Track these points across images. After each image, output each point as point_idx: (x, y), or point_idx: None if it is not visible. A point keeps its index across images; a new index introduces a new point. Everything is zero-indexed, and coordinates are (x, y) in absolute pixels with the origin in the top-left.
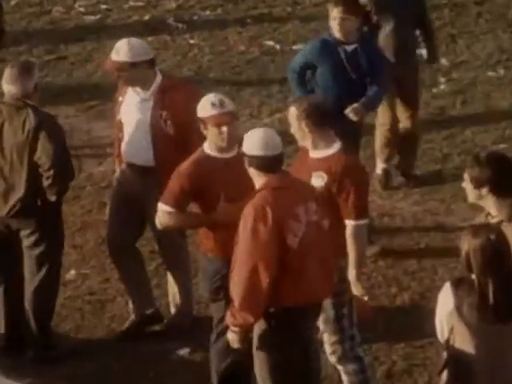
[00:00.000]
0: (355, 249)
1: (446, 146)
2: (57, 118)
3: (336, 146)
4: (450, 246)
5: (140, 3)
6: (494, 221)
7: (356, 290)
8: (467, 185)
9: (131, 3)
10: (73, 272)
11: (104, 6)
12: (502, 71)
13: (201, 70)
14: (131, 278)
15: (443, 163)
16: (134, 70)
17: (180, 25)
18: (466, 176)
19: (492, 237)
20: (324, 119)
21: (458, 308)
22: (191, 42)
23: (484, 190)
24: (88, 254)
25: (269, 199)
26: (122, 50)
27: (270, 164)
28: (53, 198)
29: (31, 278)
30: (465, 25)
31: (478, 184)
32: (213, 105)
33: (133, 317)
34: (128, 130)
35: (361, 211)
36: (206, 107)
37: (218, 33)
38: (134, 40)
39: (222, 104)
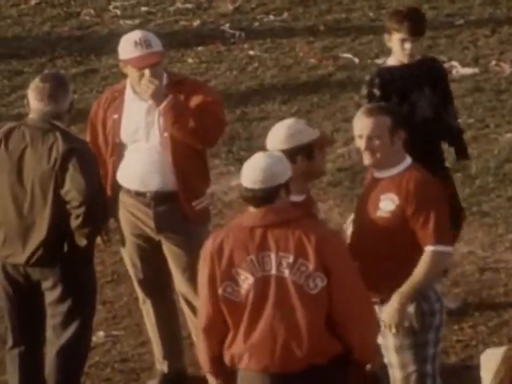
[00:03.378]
0: (424, 271)
1: None
2: (89, 145)
3: (406, 162)
4: None
5: (189, 5)
6: None
7: (390, 313)
8: None
9: (178, 5)
10: (101, 334)
11: (145, 9)
12: None
13: (262, 88)
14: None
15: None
16: (162, 63)
17: (237, 32)
18: None
19: None
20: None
21: None
22: (251, 53)
23: None
24: (120, 311)
25: (217, 237)
26: (152, 41)
27: (248, 196)
28: (83, 243)
29: (54, 341)
30: None
31: None
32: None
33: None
34: (134, 150)
35: (442, 235)
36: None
37: (284, 43)
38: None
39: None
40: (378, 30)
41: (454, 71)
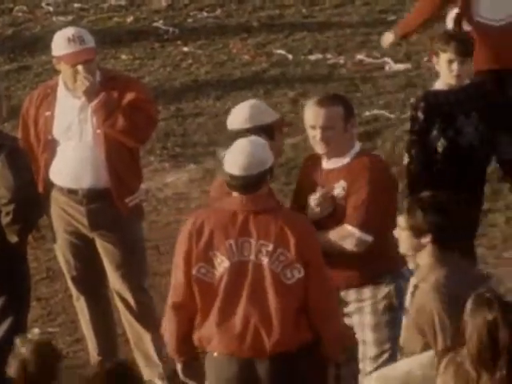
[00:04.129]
0: (330, 240)
1: (497, 181)
2: (20, 142)
3: (355, 149)
4: None
5: (122, 2)
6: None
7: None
8: (402, 232)
9: (111, 2)
10: (36, 330)
11: (77, 5)
12: None
13: (196, 84)
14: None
15: (493, 202)
16: (95, 59)
17: (171, 29)
18: (401, 222)
19: (495, 315)
20: None
21: None
22: (185, 49)
23: (425, 240)
24: (55, 308)
25: (199, 217)
26: (85, 37)
27: (235, 184)
28: (13, 239)
29: None
30: None
31: (418, 233)
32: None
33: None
34: (67, 147)
35: (366, 221)
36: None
37: (218, 39)
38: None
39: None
40: (312, 26)
41: (386, 67)
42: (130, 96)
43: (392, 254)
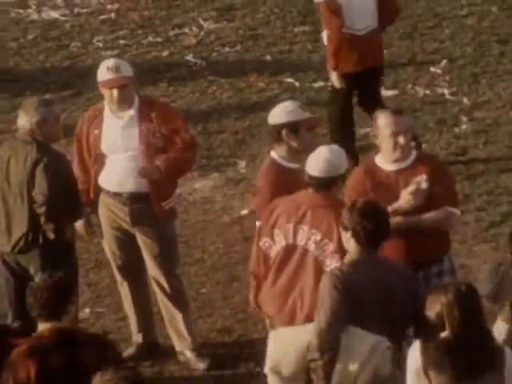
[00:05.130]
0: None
1: (468, 187)
2: (65, 155)
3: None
4: None
5: (159, 39)
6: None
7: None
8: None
9: (150, 39)
10: (87, 310)
11: (122, 42)
12: None
13: (220, 107)
14: (139, 305)
15: (465, 204)
16: (131, 85)
17: (199, 61)
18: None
19: (463, 289)
20: None
21: (425, 370)
22: (210, 78)
23: (348, 234)
24: (102, 292)
25: (275, 203)
26: (122, 67)
27: (311, 183)
28: (51, 236)
29: None
30: (487, 64)
31: (344, 227)
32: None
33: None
34: (113, 159)
35: (455, 200)
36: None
37: (238, 69)
38: (119, 59)
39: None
40: (315, 59)
41: None
42: (168, 125)
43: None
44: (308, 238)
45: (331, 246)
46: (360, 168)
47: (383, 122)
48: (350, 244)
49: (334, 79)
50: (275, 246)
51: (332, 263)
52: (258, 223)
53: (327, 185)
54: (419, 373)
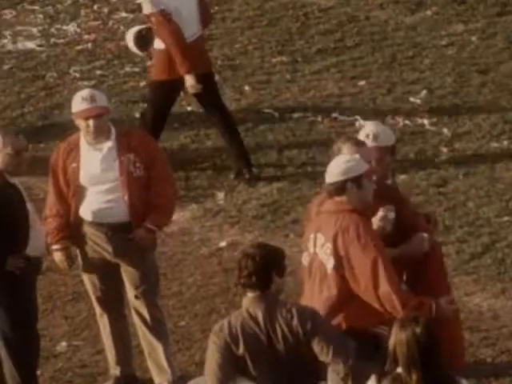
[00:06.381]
0: None
1: (448, 218)
2: (14, 185)
3: None
4: None
5: (136, 69)
6: None
7: None
8: None
9: (127, 69)
10: (64, 344)
11: (99, 72)
12: (505, 142)
13: (198, 138)
14: (117, 337)
15: (445, 235)
16: (107, 116)
17: None
18: None
19: (418, 331)
20: None
21: None
22: (188, 109)
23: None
24: (80, 325)
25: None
26: (97, 96)
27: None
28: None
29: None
30: (468, 94)
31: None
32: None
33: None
34: (93, 190)
35: None
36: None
37: None
38: (94, 90)
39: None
40: (294, 89)
41: (356, 124)
42: (145, 153)
43: None
44: (315, 243)
45: (329, 250)
46: (316, 198)
47: (346, 153)
48: None
49: (193, 83)
50: (307, 256)
51: (328, 266)
52: None
53: (335, 190)
54: None
